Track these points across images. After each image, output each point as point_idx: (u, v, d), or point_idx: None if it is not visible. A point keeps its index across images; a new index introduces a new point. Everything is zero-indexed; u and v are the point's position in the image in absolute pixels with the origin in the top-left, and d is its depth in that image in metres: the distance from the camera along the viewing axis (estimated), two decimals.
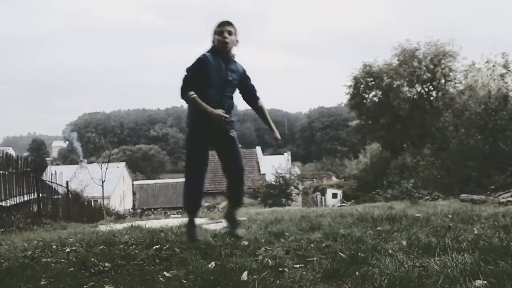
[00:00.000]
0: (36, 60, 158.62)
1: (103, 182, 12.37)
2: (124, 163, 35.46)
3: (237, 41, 2.95)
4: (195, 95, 2.80)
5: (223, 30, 2.86)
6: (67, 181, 10.84)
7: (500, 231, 2.67)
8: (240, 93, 3.10)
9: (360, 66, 20.21)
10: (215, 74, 2.85)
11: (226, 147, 3.05)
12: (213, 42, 2.92)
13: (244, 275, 1.99)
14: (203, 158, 3.02)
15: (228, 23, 2.90)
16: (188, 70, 2.89)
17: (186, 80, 2.87)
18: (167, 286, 1.96)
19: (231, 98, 3.00)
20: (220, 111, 2.80)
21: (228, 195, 3.11)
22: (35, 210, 7.55)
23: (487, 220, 3.28)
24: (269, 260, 2.25)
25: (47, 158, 69.69)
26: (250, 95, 3.12)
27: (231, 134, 3.04)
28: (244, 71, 3.04)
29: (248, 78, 3.07)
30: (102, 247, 3.02)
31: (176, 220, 4.72)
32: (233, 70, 2.94)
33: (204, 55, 2.88)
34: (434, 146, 14.79)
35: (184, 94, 2.84)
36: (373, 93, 20.60)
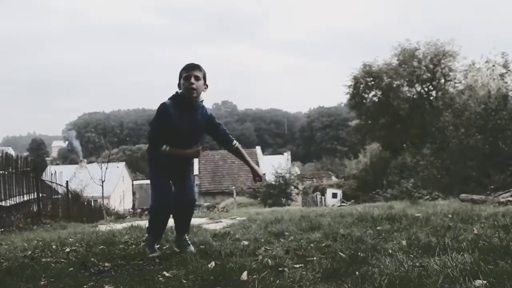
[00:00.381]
0: (36, 60, 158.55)
1: (103, 182, 12.35)
2: (124, 163, 35.47)
3: (205, 86, 2.77)
4: (167, 148, 2.69)
5: (190, 75, 2.68)
6: (67, 181, 10.82)
7: (500, 231, 2.67)
8: (213, 139, 2.95)
9: (360, 66, 20.20)
10: (178, 126, 2.69)
11: (182, 177, 2.90)
12: (179, 86, 2.76)
13: (244, 275, 1.99)
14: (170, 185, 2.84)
15: (195, 67, 2.72)
16: (151, 124, 2.77)
17: (153, 136, 2.76)
18: (167, 286, 1.96)
19: (197, 142, 2.87)
20: (194, 149, 2.76)
21: (177, 225, 2.93)
22: (35, 210, 7.53)
23: (487, 219, 3.28)
24: (269, 260, 2.25)
25: (47, 158, 69.60)
26: (223, 140, 2.92)
27: (190, 166, 3.02)
28: (210, 118, 2.84)
29: (216, 124, 2.87)
30: (102, 247, 3.02)
31: None
32: (197, 120, 2.76)
33: (164, 104, 2.71)
34: (434, 146, 14.78)
35: (157, 150, 2.71)
36: (373, 93, 20.59)
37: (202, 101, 2.81)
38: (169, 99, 2.75)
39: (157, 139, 2.73)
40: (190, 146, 2.77)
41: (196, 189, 25.37)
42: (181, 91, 2.74)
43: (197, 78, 2.70)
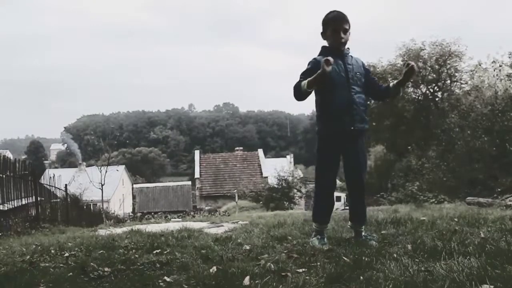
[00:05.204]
0: (34, 62, 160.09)
1: (102, 185, 12.41)
2: (123, 166, 35.57)
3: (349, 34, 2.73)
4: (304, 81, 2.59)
5: (339, 28, 2.66)
6: (66, 185, 10.79)
7: (507, 235, 2.62)
8: (367, 91, 2.84)
9: None
10: (334, 74, 2.63)
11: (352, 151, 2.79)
12: (323, 35, 2.75)
13: (246, 280, 1.96)
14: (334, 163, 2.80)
15: (343, 19, 2.68)
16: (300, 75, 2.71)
17: (297, 82, 2.68)
18: None
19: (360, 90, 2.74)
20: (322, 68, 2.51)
21: (349, 212, 2.91)
22: (33, 214, 7.52)
23: (494, 223, 3.23)
24: (272, 265, 2.22)
25: (45, 161, 70.15)
26: (378, 89, 2.86)
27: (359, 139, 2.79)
28: (363, 64, 2.82)
29: (368, 72, 2.85)
30: (101, 251, 3.00)
31: (177, 224, 4.69)
32: (351, 64, 2.73)
33: (314, 58, 2.73)
34: (440, 148, 14.67)
35: (299, 90, 2.61)
36: None
37: (348, 49, 2.78)
38: (318, 55, 2.75)
39: (299, 83, 2.63)
40: (351, 92, 2.67)
41: (197, 193, 25.43)
42: (329, 43, 2.73)
43: (345, 31, 2.69)
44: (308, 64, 2.74)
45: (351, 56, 2.81)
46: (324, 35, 2.77)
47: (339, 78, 2.69)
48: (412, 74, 2.65)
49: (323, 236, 2.87)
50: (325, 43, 2.82)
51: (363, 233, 2.90)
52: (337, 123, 2.72)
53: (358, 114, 2.73)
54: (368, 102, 21.67)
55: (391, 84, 2.81)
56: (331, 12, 2.76)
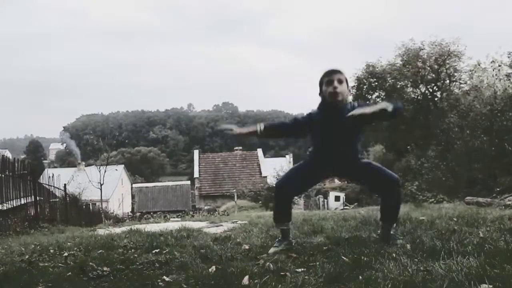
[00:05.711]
0: (33, 61, 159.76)
1: (101, 185, 12.39)
2: (123, 165, 35.36)
3: (349, 90, 2.72)
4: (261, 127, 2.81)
5: (333, 79, 2.62)
6: (65, 184, 10.72)
7: (506, 234, 2.62)
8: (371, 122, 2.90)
9: (363, 67, 20.14)
10: (324, 130, 2.73)
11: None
12: (320, 95, 2.73)
13: (245, 280, 1.96)
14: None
15: (335, 71, 2.65)
16: None
17: None
18: None
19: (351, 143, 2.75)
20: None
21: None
22: (32, 213, 7.49)
23: (493, 223, 3.23)
24: (271, 264, 2.22)
25: (44, 161, 70.02)
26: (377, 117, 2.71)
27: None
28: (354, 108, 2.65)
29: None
30: (100, 251, 3.00)
31: (176, 224, 4.69)
32: (343, 120, 2.59)
33: (309, 113, 2.82)
34: (439, 147, 14.67)
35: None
36: (376, 93, 20.49)
37: (350, 102, 2.71)
38: (317, 109, 2.77)
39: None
40: (342, 148, 2.71)
41: (196, 192, 25.41)
42: (326, 98, 2.66)
43: (340, 81, 2.62)
44: (305, 115, 2.82)
45: (350, 107, 2.65)
46: (320, 93, 2.72)
47: (326, 135, 2.71)
48: (362, 117, 2.50)
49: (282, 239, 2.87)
50: None
51: (391, 232, 2.84)
52: (323, 165, 2.83)
53: (344, 162, 2.77)
54: (368, 102, 21.65)
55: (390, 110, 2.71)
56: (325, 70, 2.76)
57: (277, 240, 2.85)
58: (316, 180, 3.07)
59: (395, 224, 2.90)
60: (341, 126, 2.63)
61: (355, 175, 2.95)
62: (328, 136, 2.72)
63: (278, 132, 2.95)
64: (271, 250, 2.68)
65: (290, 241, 2.84)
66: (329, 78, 2.64)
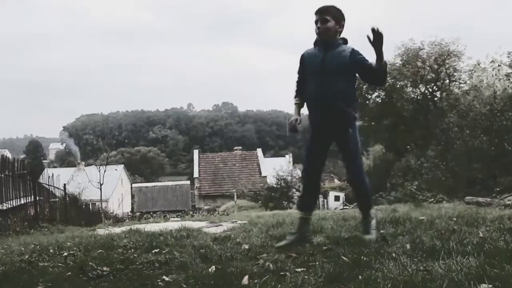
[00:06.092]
0: (33, 61, 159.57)
1: (101, 185, 12.37)
2: (122, 165, 35.36)
3: (338, 26, 2.85)
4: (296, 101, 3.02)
5: (317, 19, 2.83)
6: (65, 184, 10.74)
7: (506, 234, 2.62)
8: (362, 78, 2.98)
9: None
10: (311, 67, 2.91)
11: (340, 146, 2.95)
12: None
13: (245, 279, 1.96)
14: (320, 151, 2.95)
15: (321, 11, 2.82)
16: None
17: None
18: None
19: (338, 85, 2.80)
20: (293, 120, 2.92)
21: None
22: (32, 213, 7.48)
23: (493, 223, 3.23)
24: (271, 264, 2.22)
25: (44, 161, 69.99)
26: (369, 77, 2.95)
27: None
28: (352, 54, 2.81)
29: (360, 60, 2.84)
30: (100, 251, 2.99)
31: (176, 224, 4.69)
32: (333, 58, 2.81)
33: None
34: (439, 147, 14.67)
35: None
36: (376, 93, 20.50)
37: (343, 39, 2.87)
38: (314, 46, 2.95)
39: (296, 88, 3.04)
40: (325, 84, 2.79)
41: (196, 192, 25.39)
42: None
43: (324, 21, 2.80)
44: (300, 59, 3.03)
45: (342, 47, 2.85)
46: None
47: (313, 70, 2.87)
48: (378, 39, 2.62)
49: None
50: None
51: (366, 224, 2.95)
52: (312, 113, 2.94)
53: (331, 103, 2.80)
54: (367, 101, 21.63)
55: (373, 64, 2.80)
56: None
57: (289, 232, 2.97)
58: (324, 141, 2.95)
59: (370, 217, 2.97)
60: (327, 59, 2.81)
61: (341, 140, 2.90)
62: (318, 73, 2.83)
63: (303, 92, 3.01)
64: (281, 243, 2.80)
65: (303, 235, 2.88)
66: (316, 17, 2.84)
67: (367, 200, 3.06)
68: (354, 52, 2.81)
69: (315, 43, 2.92)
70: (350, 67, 2.80)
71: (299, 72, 3.05)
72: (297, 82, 3.07)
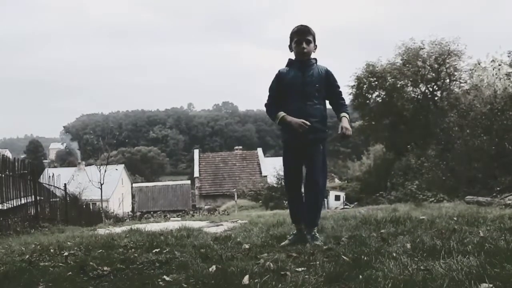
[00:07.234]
0: (33, 61, 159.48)
1: (101, 184, 12.38)
2: (123, 165, 35.40)
3: (315, 47, 2.93)
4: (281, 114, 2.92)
5: (302, 39, 2.85)
6: (65, 184, 10.74)
7: (506, 234, 2.62)
8: (327, 99, 3.01)
9: (363, 66, 20.13)
10: (292, 84, 2.91)
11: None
12: (290, 48, 2.96)
13: (246, 279, 1.96)
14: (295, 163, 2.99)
15: (305, 32, 2.86)
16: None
17: (267, 102, 3.07)
18: None
19: (314, 100, 2.89)
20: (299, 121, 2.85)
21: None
22: (32, 213, 7.49)
23: (493, 222, 3.23)
24: (271, 264, 2.21)
25: (44, 160, 70.07)
26: (333, 104, 3.02)
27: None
28: (327, 74, 2.94)
29: (333, 83, 2.97)
30: (101, 250, 3.00)
31: (176, 223, 4.69)
32: (312, 76, 2.89)
33: (278, 71, 2.99)
34: (439, 147, 14.66)
35: (271, 117, 3.02)
36: (376, 93, 20.50)
37: (315, 59, 2.96)
38: (286, 66, 2.97)
39: (269, 105, 2.99)
40: (306, 104, 2.84)
41: (196, 192, 25.39)
42: (292, 53, 2.93)
43: (308, 42, 2.86)
44: (273, 79, 3.00)
45: (317, 67, 2.93)
46: (290, 48, 2.97)
47: (295, 90, 2.87)
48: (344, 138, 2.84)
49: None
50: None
51: (312, 233, 2.94)
52: (291, 134, 2.90)
53: (312, 124, 2.84)
54: (368, 101, 21.54)
55: (340, 115, 2.94)
56: (296, 26, 2.94)
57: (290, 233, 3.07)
58: (300, 152, 2.97)
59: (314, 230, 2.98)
60: (307, 80, 2.86)
61: (311, 153, 2.91)
62: (299, 94, 2.86)
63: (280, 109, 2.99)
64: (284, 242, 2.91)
65: (302, 236, 2.94)
66: (299, 38, 2.86)
67: (317, 213, 3.00)
68: (328, 73, 2.95)
69: (289, 64, 2.95)
70: (324, 88, 2.92)
71: (273, 90, 2.99)
72: (273, 98, 2.99)
